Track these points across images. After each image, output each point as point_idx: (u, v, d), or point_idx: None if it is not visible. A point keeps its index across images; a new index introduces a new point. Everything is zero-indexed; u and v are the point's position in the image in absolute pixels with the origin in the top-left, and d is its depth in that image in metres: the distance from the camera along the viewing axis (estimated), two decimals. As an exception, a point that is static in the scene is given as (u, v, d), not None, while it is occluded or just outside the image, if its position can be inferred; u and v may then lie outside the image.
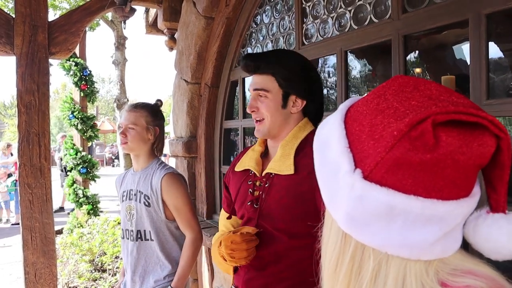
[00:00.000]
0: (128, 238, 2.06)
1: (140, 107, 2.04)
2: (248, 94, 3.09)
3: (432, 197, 0.51)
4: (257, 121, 1.31)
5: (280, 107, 1.28)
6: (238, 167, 1.42)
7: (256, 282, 1.29)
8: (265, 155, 1.40)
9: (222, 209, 1.55)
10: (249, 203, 1.30)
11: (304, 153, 1.23)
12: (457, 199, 0.53)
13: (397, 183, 0.52)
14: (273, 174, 1.28)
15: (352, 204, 0.55)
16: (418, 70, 3.23)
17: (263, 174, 1.31)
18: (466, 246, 0.62)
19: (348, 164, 0.56)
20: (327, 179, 0.61)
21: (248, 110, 1.30)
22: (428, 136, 0.50)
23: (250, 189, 1.32)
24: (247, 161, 1.38)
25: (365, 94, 0.64)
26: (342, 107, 0.65)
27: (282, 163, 1.26)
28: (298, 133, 1.30)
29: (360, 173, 0.54)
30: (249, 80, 3.03)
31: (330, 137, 0.61)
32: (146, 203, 1.98)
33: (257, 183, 1.32)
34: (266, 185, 1.28)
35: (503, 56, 2.13)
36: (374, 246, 0.56)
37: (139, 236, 2.01)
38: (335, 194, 0.58)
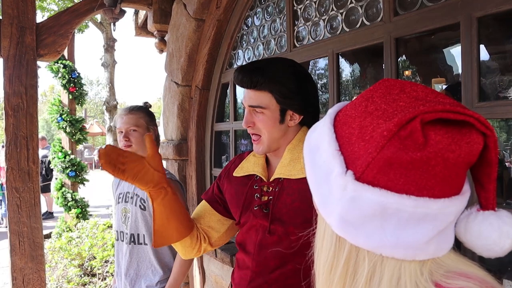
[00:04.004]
0: (122, 240, 2.05)
1: (136, 109, 2.07)
2: (240, 97, 3.08)
3: (424, 196, 0.52)
4: (253, 139, 1.28)
5: (278, 122, 1.25)
6: (238, 172, 1.39)
7: None
8: (266, 161, 1.38)
9: (213, 209, 1.47)
10: (256, 208, 1.28)
11: None
12: (449, 197, 0.53)
13: (389, 182, 0.52)
14: (282, 178, 1.27)
15: (345, 206, 0.55)
16: (409, 72, 3.26)
17: (271, 179, 1.29)
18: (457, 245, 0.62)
19: (340, 167, 0.56)
20: (318, 183, 0.61)
21: (244, 126, 1.26)
22: (417, 134, 0.50)
23: (257, 194, 1.31)
24: (251, 166, 1.36)
25: (353, 98, 0.64)
26: (331, 112, 0.65)
27: (292, 167, 1.25)
28: (303, 137, 1.28)
29: (352, 174, 0.54)
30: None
31: (320, 141, 0.62)
32: (142, 207, 1.97)
33: (264, 188, 1.31)
34: (276, 190, 1.26)
35: (493, 59, 2.15)
36: (369, 248, 0.56)
37: (132, 239, 2.00)
38: (328, 198, 0.58)
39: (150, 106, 2.20)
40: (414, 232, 0.53)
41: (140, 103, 2.18)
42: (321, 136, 0.62)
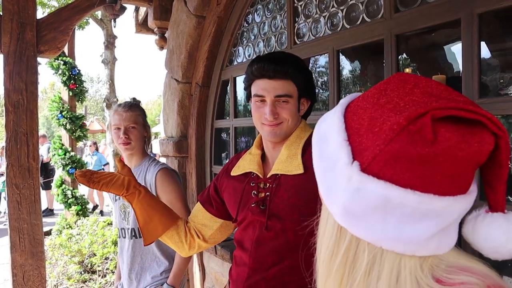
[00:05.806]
0: (124, 237, 2.06)
1: (134, 106, 2.10)
2: (240, 94, 3.08)
3: (429, 192, 0.51)
4: (272, 125, 1.28)
5: (297, 111, 1.30)
6: (235, 171, 1.40)
7: (260, 287, 1.27)
8: (262, 158, 1.39)
9: (205, 210, 1.51)
10: (253, 205, 1.29)
11: (309, 152, 1.22)
12: (454, 196, 0.53)
13: (395, 176, 0.52)
14: (279, 174, 1.27)
15: (349, 197, 0.55)
16: (409, 70, 3.25)
17: (268, 175, 1.30)
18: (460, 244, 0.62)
19: (347, 157, 0.55)
20: (324, 172, 0.61)
21: (269, 118, 1.25)
22: (427, 130, 0.50)
23: (254, 191, 1.31)
24: (247, 164, 1.37)
25: (365, 91, 0.63)
26: (343, 102, 0.65)
27: (289, 163, 1.26)
28: (301, 133, 1.31)
29: (358, 165, 0.54)
30: (241, 79, 3.03)
31: (329, 131, 0.61)
32: None
33: (261, 185, 1.32)
34: (273, 186, 1.27)
35: (493, 56, 2.14)
36: (370, 240, 0.56)
37: (133, 234, 2.01)
38: (333, 187, 0.58)
39: (140, 102, 2.22)
40: (416, 227, 0.53)
41: (128, 99, 2.21)
42: (330, 126, 0.61)
